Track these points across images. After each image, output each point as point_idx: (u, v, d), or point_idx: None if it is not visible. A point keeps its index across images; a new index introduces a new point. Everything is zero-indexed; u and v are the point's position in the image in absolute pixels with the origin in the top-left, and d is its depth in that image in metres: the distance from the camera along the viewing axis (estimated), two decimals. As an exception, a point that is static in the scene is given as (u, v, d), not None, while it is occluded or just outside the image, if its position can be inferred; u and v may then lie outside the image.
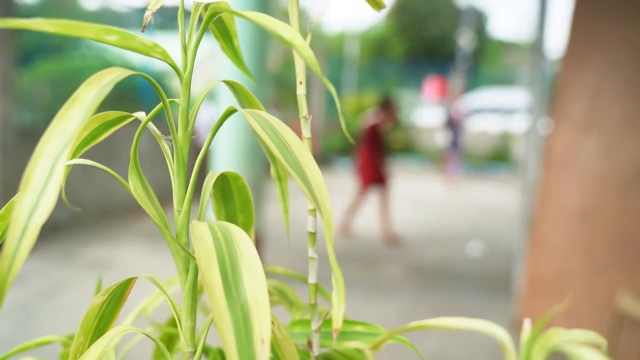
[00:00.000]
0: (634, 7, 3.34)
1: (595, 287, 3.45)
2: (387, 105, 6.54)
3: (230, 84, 0.60)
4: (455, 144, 11.72)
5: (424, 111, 15.57)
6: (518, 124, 13.13)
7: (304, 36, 0.61)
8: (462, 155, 12.20)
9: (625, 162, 3.36)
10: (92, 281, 4.32)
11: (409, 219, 7.52)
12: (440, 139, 12.11)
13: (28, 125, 5.77)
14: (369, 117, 6.62)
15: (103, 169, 0.57)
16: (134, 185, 0.56)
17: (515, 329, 3.69)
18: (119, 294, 0.59)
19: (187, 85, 0.55)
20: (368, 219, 7.36)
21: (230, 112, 0.54)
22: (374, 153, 6.39)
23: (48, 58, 7.18)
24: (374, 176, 6.39)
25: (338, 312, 0.48)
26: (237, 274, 0.45)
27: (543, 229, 3.65)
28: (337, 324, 0.48)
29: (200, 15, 0.57)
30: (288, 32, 0.49)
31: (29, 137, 5.47)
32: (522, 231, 3.87)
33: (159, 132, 0.59)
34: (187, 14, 0.57)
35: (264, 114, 0.53)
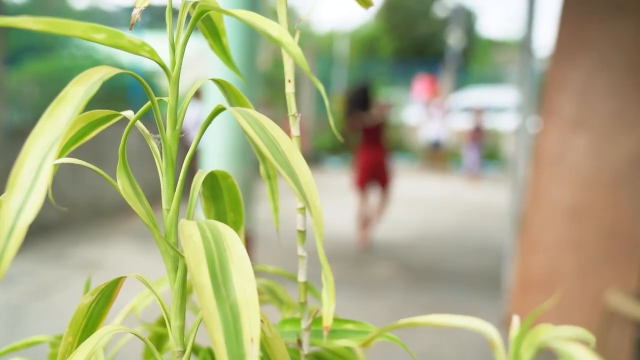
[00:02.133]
0: (621, 5, 3.36)
1: (585, 285, 3.47)
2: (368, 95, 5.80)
3: (219, 82, 0.60)
4: (476, 138, 11.88)
5: (414, 110, 15.61)
6: (508, 123, 13.19)
7: (293, 34, 0.61)
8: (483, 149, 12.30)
9: (615, 160, 3.38)
10: (82, 281, 4.30)
11: (398, 218, 7.54)
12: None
13: (17, 125, 5.74)
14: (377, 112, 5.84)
15: (92, 169, 0.57)
16: (123, 185, 0.56)
17: (506, 327, 3.70)
18: (108, 294, 0.59)
19: (175, 84, 0.54)
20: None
21: (218, 110, 0.54)
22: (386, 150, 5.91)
23: (37, 57, 7.14)
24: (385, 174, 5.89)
25: (328, 309, 0.48)
26: (226, 273, 0.45)
27: (533, 227, 3.67)
28: (327, 321, 0.48)
29: (189, 13, 0.56)
30: (276, 30, 0.48)
31: (18, 136, 5.44)
32: (513, 229, 3.88)
33: (147, 131, 0.59)
34: (175, 12, 0.57)
35: (253, 112, 0.53)
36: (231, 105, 0.62)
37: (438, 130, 12.59)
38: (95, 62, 7.27)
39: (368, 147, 5.82)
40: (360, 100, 5.77)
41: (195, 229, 0.48)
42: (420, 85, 16.49)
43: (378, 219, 6.16)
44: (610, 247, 3.41)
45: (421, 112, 13.73)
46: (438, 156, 12.69)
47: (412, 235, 6.57)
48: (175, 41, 0.55)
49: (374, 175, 5.87)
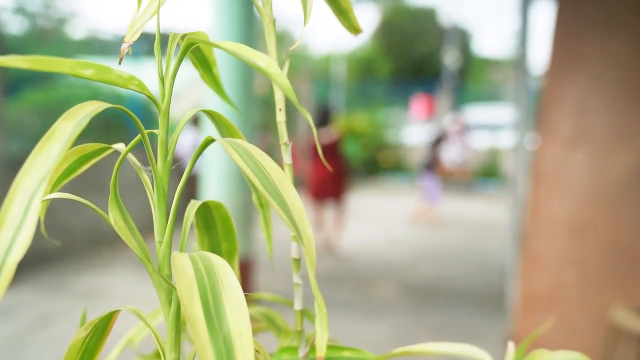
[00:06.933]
0: (616, 19, 3.38)
1: (589, 302, 3.45)
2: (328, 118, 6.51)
3: (209, 113, 0.60)
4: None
5: (412, 130, 15.65)
6: (506, 140, 13.21)
7: (283, 63, 0.62)
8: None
9: (614, 175, 3.38)
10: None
11: (400, 238, 7.52)
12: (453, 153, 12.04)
13: (16, 155, 5.75)
14: (328, 133, 6.47)
15: (83, 202, 0.57)
16: (115, 218, 0.56)
17: (510, 345, 3.67)
18: (102, 328, 0.59)
19: (166, 116, 0.54)
20: (359, 238, 7.36)
21: (208, 142, 0.54)
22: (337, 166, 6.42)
23: (35, 87, 7.17)
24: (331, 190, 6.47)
25: (321, 339, 0.48)
26: (219, 305, 0.44)
27: (535, 245, 3.65)
28: (320, 351, 0.48)
29: (178, 44, 0.57)
30: (264, 61, 0.49)
31: (17, 167, 5.43)
32: (514, 247, 3.87)
33: (138, 164, 0.59)
34: (165, 39, 0.57)
35: (243, 143, 0.53)
36: (222, 135, 0.62)
37: (460, 153, 11.97)
38: (93, 90, 7.30)
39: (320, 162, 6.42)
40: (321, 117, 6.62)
41: (187, 262, 0.48)
42: (417, 105, 16.56)
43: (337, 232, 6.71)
44: (613, 262, 3.39)
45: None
46: (460, 173, 12.22)
47: (414, 255, 6.54)
48: (164, 74, 0.55)
49: (326, 190, 6.48)
